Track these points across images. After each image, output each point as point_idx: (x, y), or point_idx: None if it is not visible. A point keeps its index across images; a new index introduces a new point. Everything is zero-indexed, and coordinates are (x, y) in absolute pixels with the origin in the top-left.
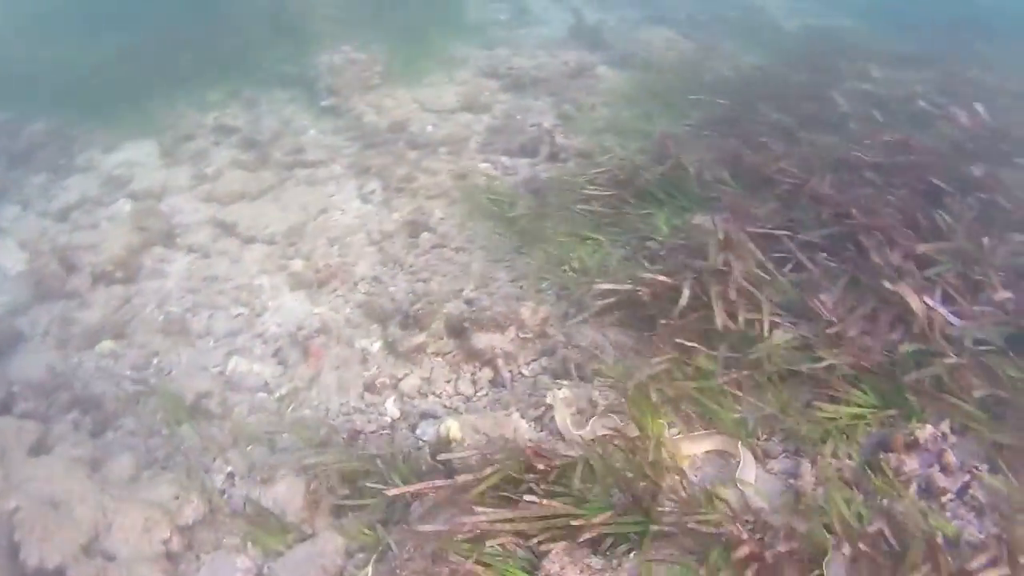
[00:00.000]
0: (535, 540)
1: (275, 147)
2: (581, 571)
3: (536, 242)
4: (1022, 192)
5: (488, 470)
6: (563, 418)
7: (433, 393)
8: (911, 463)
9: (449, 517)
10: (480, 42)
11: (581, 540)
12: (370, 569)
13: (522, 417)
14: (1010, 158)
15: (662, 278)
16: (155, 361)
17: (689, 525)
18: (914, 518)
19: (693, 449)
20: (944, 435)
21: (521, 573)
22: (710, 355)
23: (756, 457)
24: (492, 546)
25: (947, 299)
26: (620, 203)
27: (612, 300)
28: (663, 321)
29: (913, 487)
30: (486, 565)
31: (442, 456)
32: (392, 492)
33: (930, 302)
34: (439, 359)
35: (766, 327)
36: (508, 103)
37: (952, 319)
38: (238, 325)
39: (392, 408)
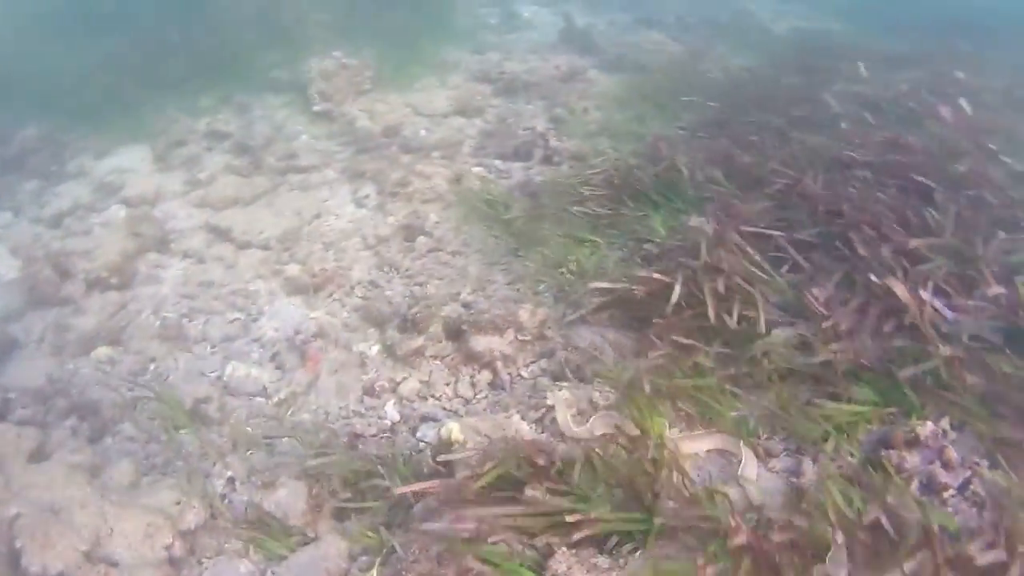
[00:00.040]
0: (540, 539)
1: (268, 152)
2: (588, 571)
3: (532, 245)
4: (1008, 187)
5: (489, 464)
6: (564, 416)
7: (432, 396)
8: (912, 460)
9: (453, 518)
10: (471, 47)
11: (583, 537)
12: (375, 572)
13: (522, 419)
14: (996, 155)
15: (657, 276)
16: (152, 367)
17: (690, 523)
18: (909, 507)
19: (694, 448)
20: (944, 431)
21: (528, 572)
22: (708, 352)
23: (757, 456)
24: (496, 542)
25: (940, 294)
26: (616, 205)
27: (610, 299)
28: (657, 320)
29: (915, 483)
30: (493, 564)
31: (443, 458)
32: (399, 491)
33: (925, 295)
34: (438, 362)
35: (762, 322)
36: (500, 107)
37: (946, 312)
38: (234, 330)
39: (392, 411)
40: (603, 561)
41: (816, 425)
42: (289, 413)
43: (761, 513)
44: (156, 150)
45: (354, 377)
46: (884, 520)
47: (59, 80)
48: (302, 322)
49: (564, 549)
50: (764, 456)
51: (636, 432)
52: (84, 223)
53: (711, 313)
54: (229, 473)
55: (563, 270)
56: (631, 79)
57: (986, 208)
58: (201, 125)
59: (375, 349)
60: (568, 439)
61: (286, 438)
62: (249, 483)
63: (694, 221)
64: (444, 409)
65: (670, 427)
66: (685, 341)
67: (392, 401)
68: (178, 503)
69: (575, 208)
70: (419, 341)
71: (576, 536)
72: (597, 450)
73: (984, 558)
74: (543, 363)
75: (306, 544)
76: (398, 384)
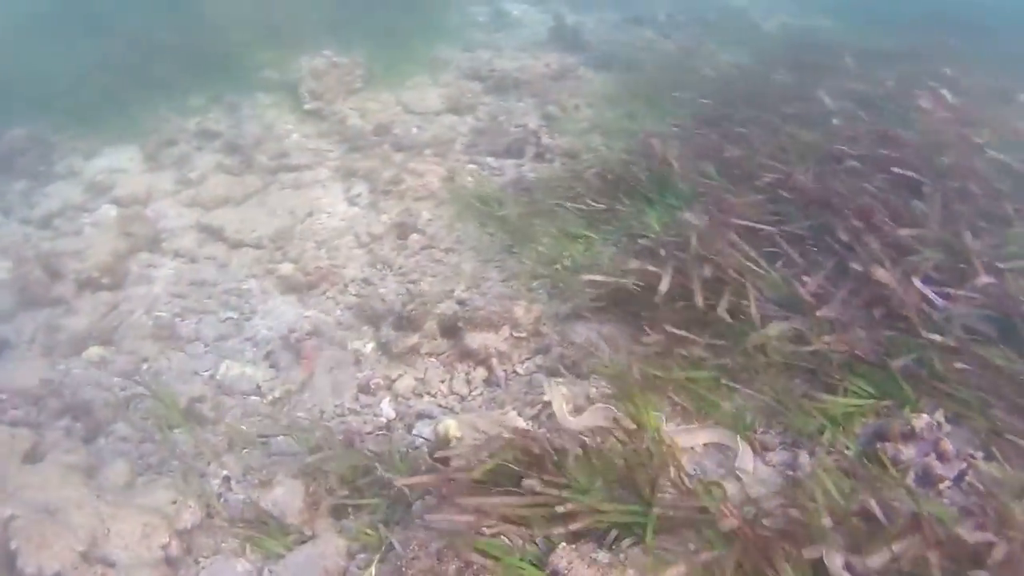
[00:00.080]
0: (540, 530)
1: (259, 151)
2: (588, 565)
3: (526, 241)
4: (993, 179)
5: (485, 453)
6: (560, 408)
7: (428, 393)
8: (908, 452)
9: (453, 509)
10: (461, 45)
11: (583, 531)
12: (373, 569)
13: (519, 415)
14: (982, 148)
15: (651, 267)
16: (145, 366)
17: (687, 514)
18: (901, 496)
19: (691, 442)
20: (939, 424)
21: (531, 567)
22: (701, 343)
23: (754, 449)
24: (496, 534)
25: (931, 283)
26: (610, 201)
27: (604, 293)
28: (647, 313)
29: (911, 475)
30: (494, 558)
31: (441, 454)
32: (400, 483)
33: (917, 284)
34: (433, 359)
35: (753, 310)
36: (492, 105)
37: (937, 300)
38: (228, 329)
39: (387, 409)
40: (603, 556)
41: (812, 418)
42: (284, 411)
43: (758, 506)
44: (146, 150)
45: (349, 375)
46: (874, 505)
47: (48, 80)
48: (296, 321)
49: (564, 544)
50: (761, 450)
51: (632, 426)
52: (74, 223)
53: (698, 300)
54: (224, 472)
55: (558, 266)
56: (622, 77)
57: (972, 200)
58: (191, 124)
59: (370, 347)
60: (565, 431)
61: (281, 436)
62: (245, 482)
63: (688, 216)
64: (440, 406)
65: (666, 421)
66: (678, 332)
67: (388, 399)
68: (174, 502)
69: (569, 204)
70: (414, 338)
71: (573, 527)
72: (595, 441)
73: (973, 537)
74: (539, 359)
75: (303, 542)
76: (393, 381)
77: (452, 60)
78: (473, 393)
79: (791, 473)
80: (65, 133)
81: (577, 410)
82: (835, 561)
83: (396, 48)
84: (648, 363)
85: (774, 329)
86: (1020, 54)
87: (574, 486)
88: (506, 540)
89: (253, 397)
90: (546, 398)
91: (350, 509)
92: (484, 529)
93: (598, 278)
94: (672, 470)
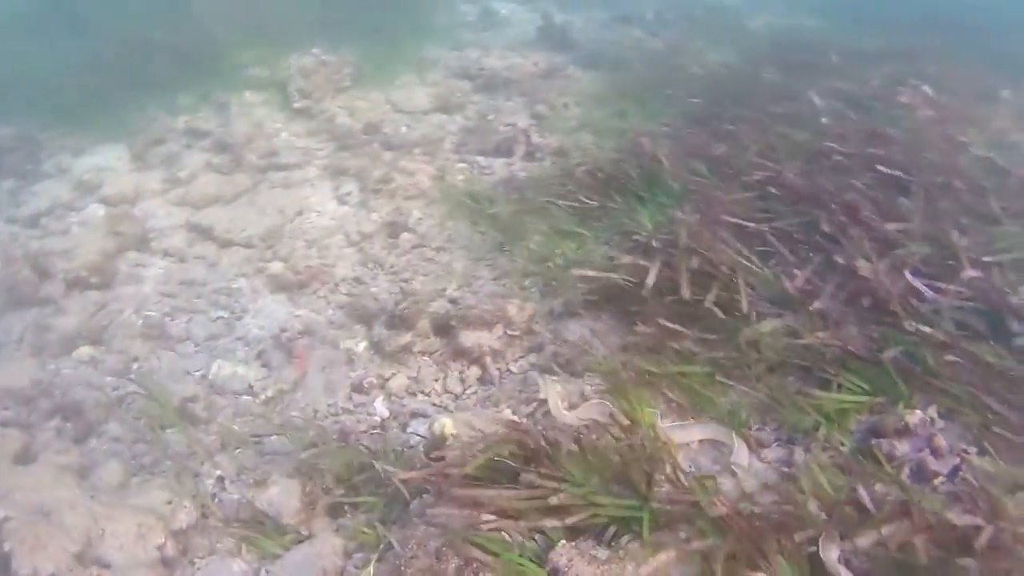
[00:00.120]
0: (539, 523)
1: (248, 150)
2: (588, 562)
3: (518, 240)
4: (978, 176)
5: (480, 446)
6: (555, 402)
7: (422, 392)
8: (902, 448)
9: (450, 508)
10: (449, 44)
11: (581, 527)
12: (371, 568)
13: (513, 414)
14: (966, 146)
15: (642, 262)
16: (135, 366)
17: (683, 509)
18: (892, 488)
19: (686, 438)
20: (932, 420)
21: (530, 563)
22: (692, 337)
23: (749, 446)
24: (495, 529)
25: (920, 275)
26: (602, 199)
27: (597, 288)
28: (638, 308)
29: (906, 471)
30: (494, 554)
31: (438, 453)
32: (401, 477)
33: (908, 277)
34: (426, 358)
35: (744, 304)
36: (481, 104)
37: (927, 292)
38: (218, 329)
39: (381, 408)
40: (602, 553)
41: (807, 415)
42: (277, 411)
43: (752, 500)
44: (134, 149)
45: (342, 374)
46: (862, 492)
47: (35, 79)
48: (287, 320)
49: (564, 541)
50: (756, 446)
51: (627, 422)
52: (62, 222)
53: (684, 291)
54: (218, 472)
55: (550, 264)
56: (611, 75)
57: (957, 196)
58: (179, 123)
59: (362, 346)
60: (560, 426)
61: (275, 436)
62: (239, 481)
63: (679, 214)
64: (434, 405)
65: (661, 418)
66: (671, 326)
67: (381, 398)
68: (169, 503)
69: (560, 203)
70: (407, 337)
71: (570, 521)
72: (590, 438)
73: (961, 520)
74: (532, 358)
75: (300, 542)
76: (387, 380)
77: (441, 59)
78: (467, 392)
79: (786, 470)
80: (52, 132)
81: (572, 407)
82: (831, 554)
83: (385, 47)
84: (642, 359)
85: (767, 325)
86: (1005, 53)
87: (570, 480)
88: (505, 536)
89: (245, 397)
90: (541, 396)
91: (346, 507)
92: (482, 524)
93: (590, 273)
94: (668, 467)
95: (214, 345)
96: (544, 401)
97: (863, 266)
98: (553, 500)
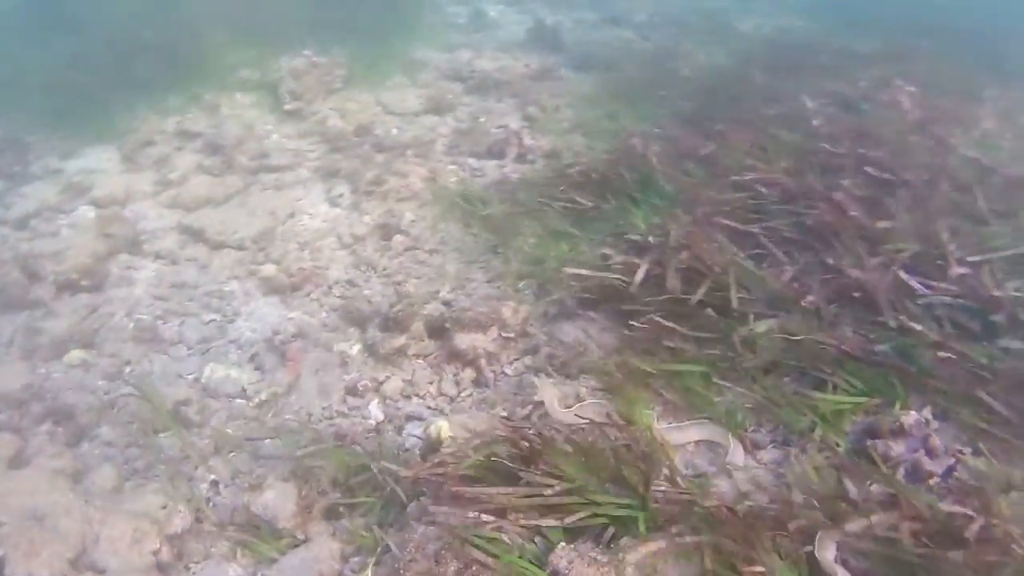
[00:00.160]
0: (537, 521)
1: (239, 152)
2: (588, 564)
3: (511, 242)
4: (963, 174)
5: (477, 442)
6: (552, 401)
7: (417, 395)
8: (898, 448)
9: (449, 511)
10: (440, 45)
11: (581, 528)
12: (369, 572)
13: (509, 416)
14: (955, 146)
15: (636, 260)
16: (127, 370)
17: (680, 508)
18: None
19: (682, 439)
20: (927, 420)
21: (531, 566)
22: (687, 335)
23: (745, 448)
24: (496, 529)
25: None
26: (595, 200)
27: (591, 286)
28: (630, 306)
29: (901, 471)
30: (494, 556)
31: (435, 457)
32: (407, 473)
33: (903, 275)
34: (420, 361)
35: (733, 300)
36: (472, 106)
37: (919, 288)
38: (211, 332)
39: (376, 411)
40: (602, 555)
41: (803, 416)
42: (271, 414)
43: (748, 500)
44: (124, 150)
45: (336, 377)
46: (850, 487)
47: (23, 80)
48: (280, 323)
49: (563, 544)
50: (751, 448)
51: (624, 423)
52: (51, 224)
53: (670, 284)
54: (212, 476)
55: (544, 265)
56: (602, 77)
57: (945, 195)
58: (170, 125)
59: (356, 348)
60: (557, 425)
61: (270, 439)
62: (234, 485)
63: (671, 213)
64: (429, 408)
65: (657, 420)
66: (665, 323)
67: (376, 401)
68: (164, 507)
69: (553, 204)
70: (401, 340)
71: (569, 520)
72: (587, 439)
73: (949, 508)
74: (527, 360)
75: (296, 546)
76: (381, 383)
77: (431, 60)
78: (462, 394)
79: (782, 471)
80: (41, 133)
81: (568, 408)
82: (827, 553)
83: (375, 48)
84: (637, 359)
85: (761, 325)
86: (993, 55)
87: (566, 477)
88: (505, 539)
89: (239, 400)
90: (537, 398)
91: (342, 508)
92: (482, 525)
93: (584, 272)
94: (665, 468)
95: (207, 348)
96: (540, 403)
97: (854, 264)
98: (548, 491)
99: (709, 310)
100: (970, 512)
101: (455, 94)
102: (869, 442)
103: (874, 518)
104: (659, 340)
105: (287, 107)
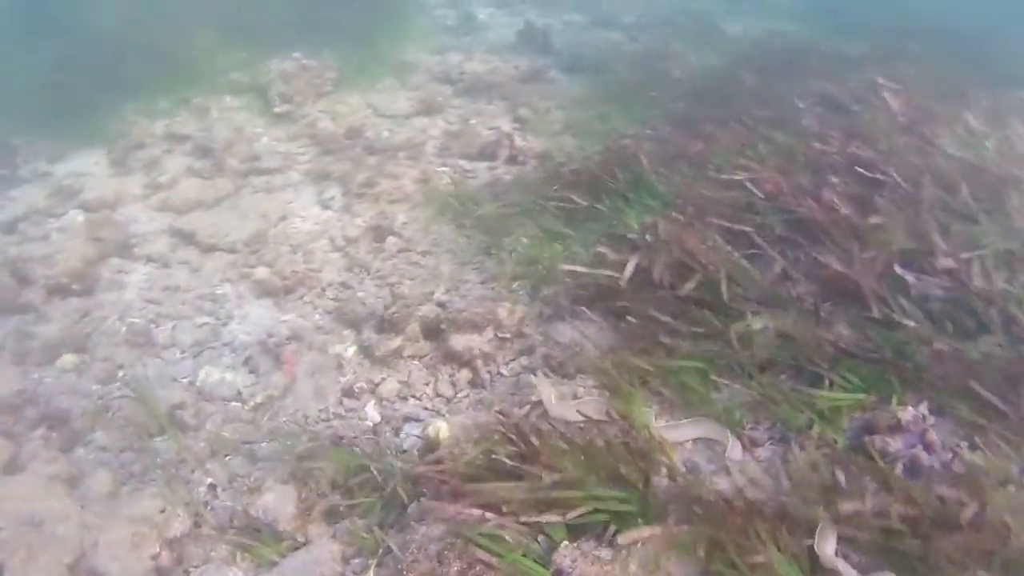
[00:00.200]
0: (538, 517)
1: (229, 154)
2: (592, 563)
3: (504, 243)
4: (949, 173)
5: (476, 435)
6: (549, 397)
7: (413, 396)
8: (895, 444)
9: (451, 507)
10: (430, 48)
11: (576, 517)
12: (371, 573)
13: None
14: (942, 146)
15: (620, 257)
16: (121, 374)
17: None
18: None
19: (680, 437)
20: (923, 416)
21: (535, 565)
22: (682, 330)
23: (743, 445)
24: (499, 527)
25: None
26: (589, 200)
27: (585, 283)
28: (625, 303)
29: (899, 467)
30: (498, 555)
31: (433, 456)
32: (416, 470)
33: (898, 268)
34: (416, 362)
35: (724, 294)
36: (463, 108)
37: (911, 279)
38: (205, 335)
39: (372, 413)
40: (605, 553)
41: (800, 413)
42: (266, 417)
43: (747, 494)
44: (113, 153)
45: (332, 379)
46: (839, 473)
47: (10, 82)
48: (274, 325)
49: (566, 542)
50: (749, 445)
51: (622, 421)
52: (41, 228)
53: (656, 275)
54: (210, 480)
55: (538, 266)
56: (591, 79)
57: (933, 193)
58: (159, 128)
59: (351, 351)
60: (555, 420)
61: (267, 442)
62: (231, 489)
63: (664, 213)
64: (426, 409)
65: (655, 417)
66: (662, 317)
67: (372, 402)
68: (163, 511)
69: (547, 205)
70: (397, 341)
71: (571, 515)
72: (585, 438)
73: (940, 490)
74: (523, 360)
75: (297, 548)
76: (377, 385)
77: (421, 63)
78: (459, 395)
79: (781, 468)
80: (28, 136)
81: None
82: (827, 547)
83: (365, 51)
84: (634, 357)
85: (757, 322)
86: (981, 57)
87: (565, 472)
88: (507, 538)
89: (234, 403)
90: (534, 398)
91: (342, 508)
92: (485, 523)
93: (579, 269)
94: (664, 467)
95: (200, 351)
96: (537, 404)
97: (842, 259)
98: (547, 479)
99: (706, 311)
100: (963, 497)
101: (445, 96)
102: (867, 438)
103: (868, 501)
104: (655, 337)
105: (277, 110)
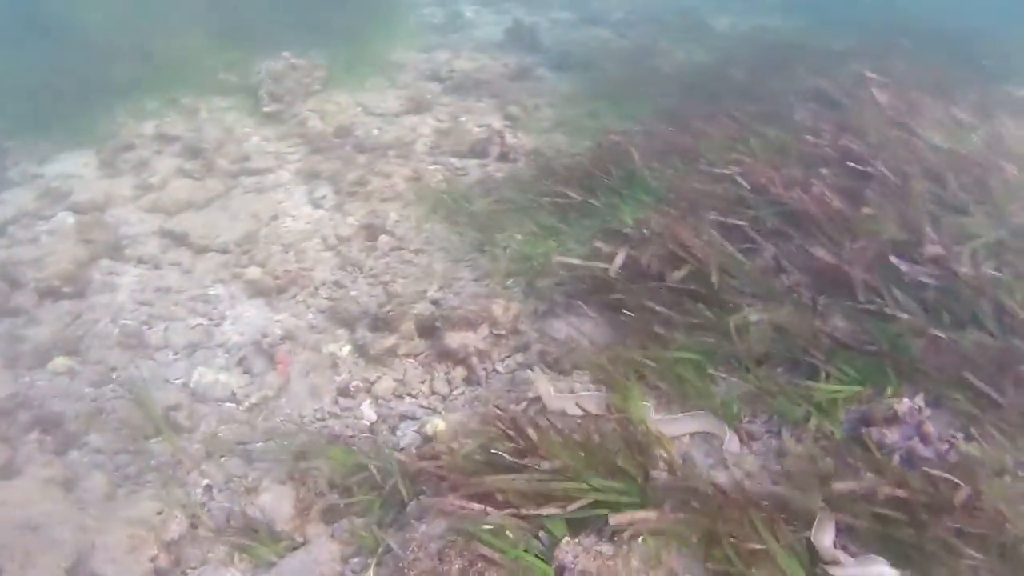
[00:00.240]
0: (538, 509)
1: (219, 155)
2: (594, 558)
3: (497, 240)
4: (936, 165)
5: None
6: (547, 390)
7: (409, 394)
8: (892, 436)
9: (452, 502)
10: (418, 46)
11: (576, 510)
12: (371, 573)
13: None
14: (927, 139)
15: (626, 251)
16: (114, 376)
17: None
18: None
19: (677, 431)
20: (920, 408)
21: (537, 560)
22: (678, 320)
23: (741, 439)
24: (499, 526)
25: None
26: (582, 196)
27: (580, 276)
28: (618, 296)
29: (896, 459)
30: (501, 551)
31: (431, 452)
32: (417, 465)
33: (895, 260)
34: (411, 360)
35: (714, 279)
36: (452, 106)
37: (903, 267)
38: (198, 336)
39: (368, 411)
40: (607, 548)
41: (797, 405)
42: (262, 417)
43: (744, 486)
44: (102, 155)
45: (327, 378)
46: (828, 462)
47: None
48: (267, 325)
49: (568, 538)
50: (747, 438)
51: (620, 415)
52: (30, 231)
53: (643, 260)
54: (206, 481)
55: (533, 263)
56: (581, 75)
57: (922, 185)
58: (148, 129)
59: (346, 349)
60: (553, 413)
61: (261, 443)
62: (228, 490)
63: (657, 208)
64: (422, 407)
65: (654, 412)
66: (658, 308)
67: (368, 401)
68: (160, 513)
69: (539, 202)
70: (391, 340)
71: (572, 507)
72: (583, 430)
73: (936, 472)
74: (519, 357)
75: (295, 549)
76: (372, 384)
77: (409, 61)
78: (454, 392)
79: (778, 460)
80: (17, 138)
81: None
82: (825, 539)
83: (354, 50)
84: (630, 352)
85: (754, 314)
86: (969, 53)
87: (564, 463)
88: (509, 534)
89: (229, 404)
90: (531, 395)
91: (341, 507)
92: (486, 517)
93: (575, 261)
94: (662, 462)
95: (194, 352)
96: (534, 400)
97: (831, 248)
98: (546, 465)
99: (701, 304)
100: (956, 480)
101: (434, 94)
102: (864, 430)
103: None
104: (651, 331)
105: (266, 109)
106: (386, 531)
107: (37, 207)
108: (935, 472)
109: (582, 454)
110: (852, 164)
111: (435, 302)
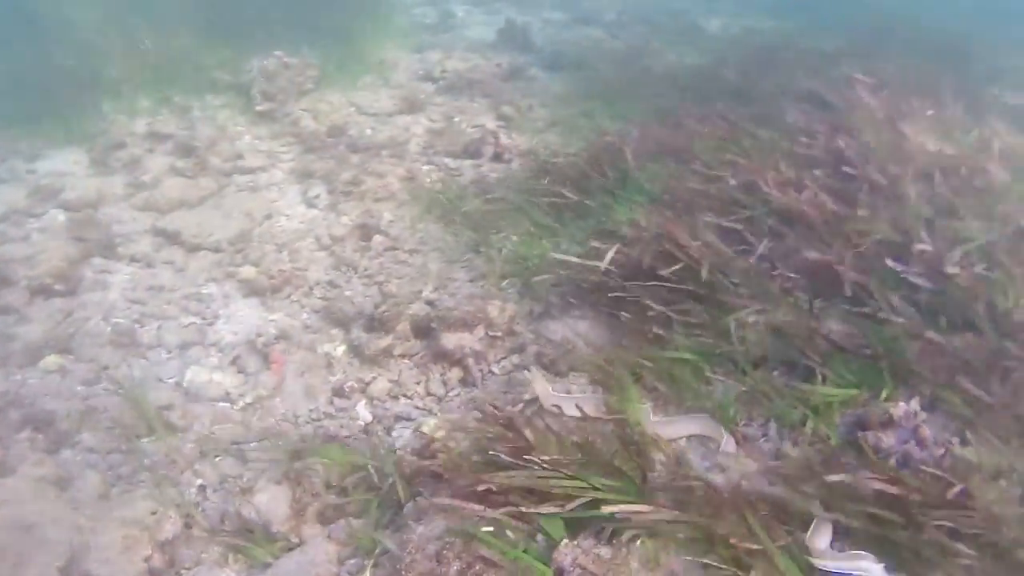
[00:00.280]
0: (537, 507)
1: (212, 153)
2: (592, 561)
3: (492, 241)
4: (929, 168)
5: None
6: (545, 390)
7: (404, 395)
8: (888, 439)
9: (450, 503)
10: (410, 46)
11: (575, 508)
12: (368, 574)
13: None
14: (921, 141)
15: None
16: (106, 374)
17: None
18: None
19: (674, 434)
20: (916, 411)
21: (536, 562)
22: (675, 318)
23: (737, 442)
24: (497, 526)
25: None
26: (577, 197)
27: (576, 276)
28: (616, 295)
29: (893, 462)
30: (500, 552)
31: (427, 450)
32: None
33: (891, 263)
34: (407, 361)
35: (704, 273)
36: (445, 106)
37: (897, 266)
38: (191, 335)
39: (363, 412)
40: (605, 551)
41: (794, 408)
42: (256, 417)
43: (741, 488)
44: (93, 153)
45: (321, 379)
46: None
47: None
48: (261, 325)
49: (567, 541)
50: (743, 441)
51: (617, 416)
52: (21, 228)
53: (640, 260)
54: (200, 481)
55: (528, 264)
56: (573, 76)
57: (913, 187)
58: (140, 126)
59: (341, 350)
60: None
61: (255, 443)
62: (223, 490)
63: (652, 208)
64: (417, 408)
65: (651, 415)
66: (656, 306)
67: (363, 402)
68: (154, 513)
69: (534, 202)
70: (387, 340)
71: (570, 506)
72: (583, 434)
73: (928, 468)
74: (515, 358)
75: (291, 549)
76: (367, 384)
77: (402, 61)
78: (450, 394)
79: (774, 463)
80: (6, 135)
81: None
82: (817, 543)
83: (346, 49)
84: (627, 351)
85: (750, 316)
86: (959, 54)
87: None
88: (509, 535)
89: (222, 404)
90: (527, 396)
91: (337, 508)
92: (484, 516)
93: (573, 259)
94: (659, 464)
95: (187, 352)
96: (531, 401)
97: (828, 251)
98: (544, 458)
99: (697, 305)
100: (949, 478)
101: (427, 94)
102: (860, 434)
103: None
104: (647, 331)
105: (259, 108)
106: (383, 532)
107: (28, 204)
108: (929, 470)
109: (579, 455)
110: (843, 165)
111: (430, 303)
